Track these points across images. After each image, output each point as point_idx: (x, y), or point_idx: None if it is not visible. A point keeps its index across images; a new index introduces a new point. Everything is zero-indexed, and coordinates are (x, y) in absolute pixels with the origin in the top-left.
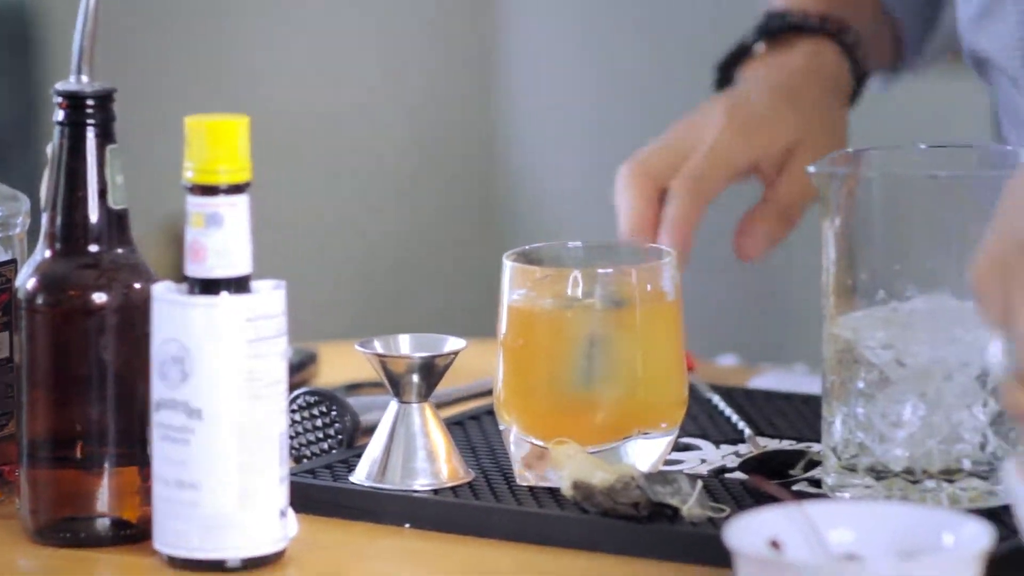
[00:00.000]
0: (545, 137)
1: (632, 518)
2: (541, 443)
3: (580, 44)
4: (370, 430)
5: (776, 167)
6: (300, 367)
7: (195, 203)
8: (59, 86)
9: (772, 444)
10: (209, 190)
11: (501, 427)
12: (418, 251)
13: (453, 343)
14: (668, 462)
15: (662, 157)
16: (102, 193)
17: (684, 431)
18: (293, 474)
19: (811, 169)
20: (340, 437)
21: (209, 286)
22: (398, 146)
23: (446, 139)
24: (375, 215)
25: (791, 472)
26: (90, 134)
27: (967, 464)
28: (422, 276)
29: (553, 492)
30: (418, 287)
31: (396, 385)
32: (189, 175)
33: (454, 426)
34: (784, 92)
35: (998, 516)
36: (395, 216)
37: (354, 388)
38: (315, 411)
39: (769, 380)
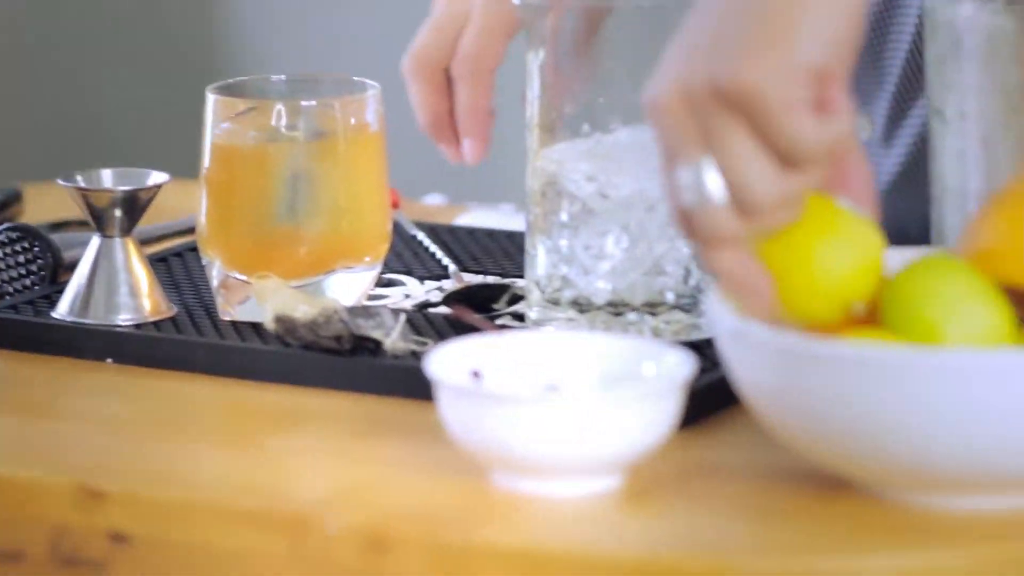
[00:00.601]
0: None
1: (334, 351)
2: (244, 278)
3: None
4: (73, 266)
5: None
6: (4, 206)
7: None
8: None
9: (477, 280)
10: None
11: (204, 262)
12: (125, 88)
13: (156, 177)
14: (372, 297)
15: (436, 40)
16: None
17: (388, 267)
18: None
19: (515, 1)
20: (42, 273)
21: None
22: None
23: None
24: (81, 49)
25: (495, 306)
26: None
27: (670, 297)
28: (132, 114)
29: (256, 326)
30: (130, 125)
31: (98, 219)
32: None
33: (158, 262)
34: None
35: (701, 350)
36: (100, 51)
37: (60, 226)
38: (16, 247)
39: (475, 218)
